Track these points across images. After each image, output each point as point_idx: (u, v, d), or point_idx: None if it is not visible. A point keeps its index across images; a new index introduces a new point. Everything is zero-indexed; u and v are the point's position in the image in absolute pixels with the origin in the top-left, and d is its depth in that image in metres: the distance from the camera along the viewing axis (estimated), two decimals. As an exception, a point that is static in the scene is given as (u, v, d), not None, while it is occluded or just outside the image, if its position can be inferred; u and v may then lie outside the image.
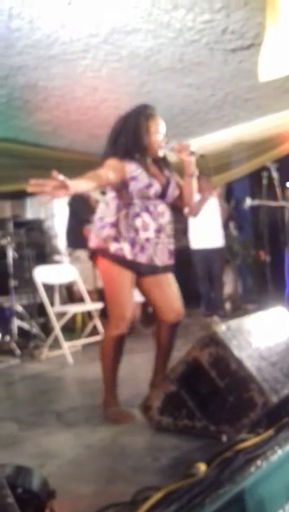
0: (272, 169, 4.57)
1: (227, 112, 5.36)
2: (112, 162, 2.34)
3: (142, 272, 2.39)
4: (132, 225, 2.36)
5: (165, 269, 2.48)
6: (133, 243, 2.34)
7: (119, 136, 2.41)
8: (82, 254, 5.21)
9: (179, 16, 3.33)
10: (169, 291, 2.50)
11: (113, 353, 2.38)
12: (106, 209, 2.42)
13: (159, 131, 2.44)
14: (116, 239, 2.35)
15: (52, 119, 5.17)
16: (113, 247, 2.34)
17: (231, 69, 4.23)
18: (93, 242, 2.44)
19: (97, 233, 2.42)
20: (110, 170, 2.29)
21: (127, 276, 2.36)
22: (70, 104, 4.81)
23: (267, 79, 3.17)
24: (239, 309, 5.88)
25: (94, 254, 2.47)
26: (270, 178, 4.59)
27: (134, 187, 2.36)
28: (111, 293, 2.40)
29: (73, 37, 3.52)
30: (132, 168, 2.36)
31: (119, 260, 2.34)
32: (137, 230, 2.36)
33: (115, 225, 2.36)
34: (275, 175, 4.57)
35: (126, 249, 2.34)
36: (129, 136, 2.39)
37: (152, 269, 2.41)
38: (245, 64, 4.10)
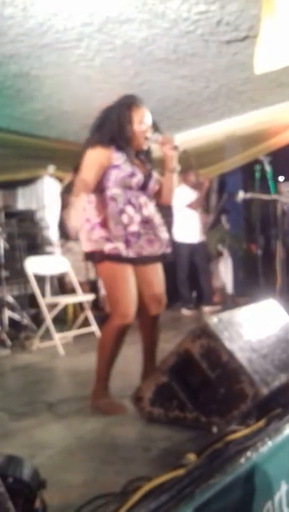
0: (265, 163, 4.58)
1: (221, 104, 5.35)
2: (95, 153, 2.32)
3: (134, 264, 2.39)
4: (119, 222, 2.34)
5: (154, 259, 2.46)
6: (125, 240, 2.33)
7: (103, 124, 2.40)
8: (75, 245, 5.20)
9: (174, 7, 3.30)
10: (156, 283, 2.49)
11: (113, 343, 2.36)
12: (90, 208, 2.39)
13: (143, 122, 2.41)
14: (108, 239, 2.33)
15: (44, 109, 5.14)
16: (107, 247, 2.32)
17: (226, 61, 4.21)
18: (86, 246, 2.41)
19: (88, 236, 2.39)
20: (94, 167, 2.31)
21: (126, 271, 2.35)
22: (62, 94, 4.78)
23: (262, 71, 3.16)
24: (226, 302, 5.95)
25: (89, 258, 2.44)
26: (263, 172, 4.60)
27: (116, 175, 2.34)
28: (112, 292, 2.38)
29: (67, 26, 3.49)
30: (116, 156, 2.35)
31: (116, 259, 2.32)
32: (125, 227, 2.34)
33: (104, 225, 2.34)
34: (267, 168, 4.58)
35: (120, 248, 2.32)
36: (114, 126, 2.37)
37: (141, 261, 2.40)
38: (239, 56, 4.09)
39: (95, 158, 2.33)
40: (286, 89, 4.86)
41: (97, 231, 2.35)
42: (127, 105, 2.40)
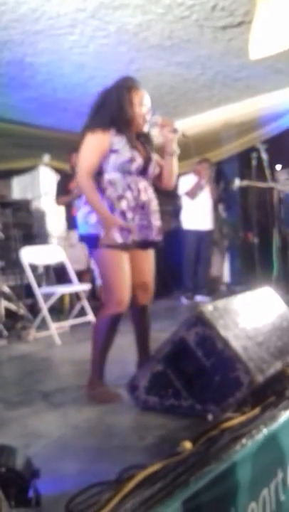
0: (262, 150, 4.56)
1: (217, 92, 5.32)
2: (95, 138, 2.30)
3: (128, 249, 2.37)
4: (118, 208, 2.33)
5: (146, 246, 2.46)
6: (122, 227, 2.31)
7: (102, 107, 2.36)
8: (74, 234, 5.18)
9: (169, -9, 3.26)
10: (146, 272, 2.49)
11: (107, 332, 2.36)
12: None
13: (142, 104, 2.39)
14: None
15: (39, 97, 5.10)
16: (103, 232, 2.31)
17: (221, 47, 4.17)
18: (83, 229, 2.40)
19: (85, 219, 2.38)
20: (95, 152, 2.29)
21: (121, 258, 2.34)
22: (57, 82, 4.74)
23: (258, 57, 3.13)
24: (216, 291, 6.00)
25: (86, 241, 2.43)
26: (260, 160, 4.58)
27: (115, 160, 2.32)
28: (107, 279, 2.37)
29: (60, 12, 3.44)
30: (115, 141, 2.32)
31: (112, 245, 2.31)
32: (123, 213, 2.33)
33: None
34: (264, 156, 4.56)
35: (116, 234, 2.30)
36: (113, 108, 2.33)
37: (136, 247, 2.40)
38: (235, 42, 4.04)
39: (95, 143, 2.31)
40: (282, 75, 4.83)
41: (94, 215, 2.33)
42: (126, 87, 2.37)
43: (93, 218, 2.34)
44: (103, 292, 2.46)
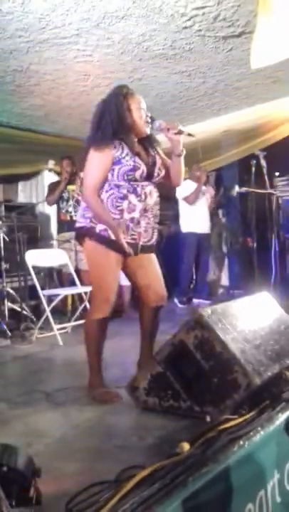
0: (261, 157, 4.61)
1: (218, 100, 5.37)
2: (100, 155, 2.34)
3: (125, 252, 2.40)
4: (117, 206, 2.37)
5: (148, 248, 2.50)
6: (118, 224, 2.36)
7: (102, 119, 2.39)
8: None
9: (171, 2, 3.32)
10: (153, 273, 2.52)
11: (96, 335, 2.41)
12: None
13: (140, 107, 2.44)
14: None
15: (44, 104, 5.16)
16: (98, 227, 2.36)
17: (222, 57, 4.23)
18: (79, 222, 2.45)
19: (82, 213, 2.43)
20: (100, 168, 2.35)
21: (113, 257, 2.37)
22: (62, 89, 4.80)
23: (258, 67, 3.17)
24: (216, 295, 6.06)
25: (79, 235, 2.47)
26: (259, 166, 4.62)
27: (119, 170, 2.36)
28: (96, 275, 2.41)
29: (65, 21, 3.51)
30: (118, 151, 2.36)
31: (104, 240, 2.35)
32: (122, 211, 2.37)
33: None
34: (263, 163, 4.61)
35: (110, 231, 2.35)
36: (113, 116, 2.37)
37: (136, 249, 2.43)
38: (236, 52, 4.11)
39: (99, 159, 2.35)
40: (282, 85, 4.88)
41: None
42: (122, 94, 2.42)
43: (90, 213, 2.39)
44: (92, 287, 2.49)
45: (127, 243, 2.37)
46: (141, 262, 2.48)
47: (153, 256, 2.55)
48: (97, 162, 2.36)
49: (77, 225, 2.47)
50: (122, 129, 2.38)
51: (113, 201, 2.37)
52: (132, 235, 2.40)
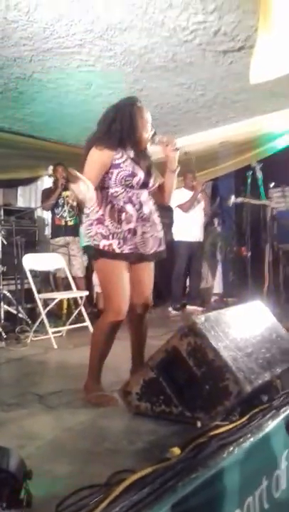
0: (257, 169, 4.67)
1: (216, 112, 5.44)
2: (100, 154, 2.37)
3: (129, 261, 2.44)
4: (118, 219, 2.40)
5: (149, 257, 2.52)
6: (119, 237, 2.39)
7: (113, 123, 2.42)
8: (72, 241, 5.33)
9: (173, 16, 3.39)
10: (145, 283, 2.56)
11: (105, 339, 2.42)
12: (91, 205, 2.43)
13: (149, 123, 2.49)
14: (104, 236, 2.39)
15: (46, 111, 5.21)
16: (102, 244, 2.39)
17: (222, 70, 4.30)
18: (84, 241, 2.49)
19: (86, 231, 2.46)
20: (97, 166, 2.36)
21: (120, 267, 2.41)
22: (63, 98, 4.85)
23: (257, 81, 3.23)
24: (209, 302, 6.09)
25: (86, 252, 2.55)
26: (254, 178, 4.68)
27: (117, 175, 2.40)
28: (107, 288, 2.45)
29: (69, 31, 3.57)
30: (118, 156, 2.40)
31: (109, 255, 2.39)
32: (121, 223, 2.40)
33: (101, 221, 2.40)
34: (259, 174, 4.67)
35: (114, 244, 2.38)
36: (125, 124, 2.40)
37: (137, 258, 2.46)
38: (235, 66, 4.18)
39: (98, 158, 2.38)
40: (279, 98, 4.96)
41: (94, 227, 2.41)
42: (137, 107, 2.46)
43: (93, 231, 2.41)
44: (103, 300, 2.52)
45: (126, 254, 2.41)
46: (137, 272, 2.51)
47: (151, 266, 2.58)
48: (96, 159, 2.38)
49: (82, 243, 2.53)
50: (130, 139, 2.43)
51: (113, 215, 2.41)
52: (131, 245, 2.43)
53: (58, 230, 5.35)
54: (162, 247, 2.57)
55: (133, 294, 2.49)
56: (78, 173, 2.06)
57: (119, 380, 2.43)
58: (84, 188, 2.13)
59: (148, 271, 2.57)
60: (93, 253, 2.45)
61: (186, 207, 5.60)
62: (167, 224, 5.89)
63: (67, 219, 5.28)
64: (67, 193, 5.28)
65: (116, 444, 1.90)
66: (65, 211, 5.33)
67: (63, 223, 5.30)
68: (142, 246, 2.47)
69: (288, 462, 1.88)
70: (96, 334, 2.48)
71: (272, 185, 5.26)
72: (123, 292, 2.40)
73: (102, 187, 2.43)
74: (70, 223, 5.35)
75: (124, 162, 2.40)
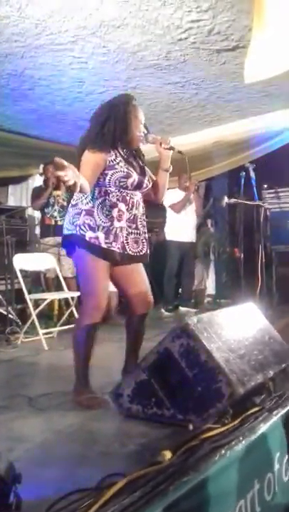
0: (250, 170, 4.68)
1: (210, 112, 5.45)
2: (94, 156, 2.34)
3: (115, 260, 2.41)
4: (108, 214, 2.37)
5: (137, 258, 2.50)
6: (107, 232, 2.36)
7: (106, 122, 2.39)
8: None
9: (167, 14, 3.37)
10: (140, 282, 2.54)
11: (85, 341, 2.39)
12: (81, 196, 2.40)
13: (142, 122, 2.47)
14: (91, 227, 2.35)
15: (37, 109, 5.18)
16: (88, 235, 2.35)
17: (216, 69, 4.30)
18: (67, 230, 2.43)
19: (72, 220, 2.41)
20: (91, 168, 2.32)
21: (102, 265, 2.38)
22: (56, 95, 4.82)
23: (251, 81, 3.22)
24: (202, 304, 6.08)
25: (68, 242, 2.44)
26: (248, 178, 4.69)
27: (112, 176, 2.38)
28: (86, 282, 2.41)
29: (61, 28, 3.54)
30: (112, 157, 2.38)
31: (95, 249, 2.35)
32: (112, 219, 2.38)
33: (90, 213, 2.37)
34: (252, 175, 4.68)
35: (101, 238, 2.35)
36: (118, 124, 2.38)
37: (125, 258, 2.43)
38: (229, 65, 4.18)
39: (92, 160, 2.35)
40: (272, 99, 4.97)
41: (82, 217, 2.37)
42: (132, 105, 2.44)
43: (80, 220, 2.37)
44: (81, 296, 2.48)
45: (116, 252, 2.38)
46: (129, 272, 2.49)
47: (141, 266, 2.56)
48: (90, 161, 2.35)
49: (66, 232, 2.45)
50: (123, 139, 2.41)
51: (103, 209, 2.38)
52: (121, 243, 2.41)
53: (47, 230, 5.31)
54: (147, 250, 2.55)
55: (132, 295, 2.49)
56: (64, 161, 1.99)
57: (111, 381, 2.41)
58: (72, 174, 2.05)
59: (139, 271, 2.55)
60: (77, 241, 2.37)
61: (177, 207, 5.60)
62: (160, 223, 5.89)
63: (58, 218, 5.25)
64: (58, 192, 5.24)
65: (107, 447, 1.88)
66: (55, 210, 5.30)
67: (53, 223, 5.27)
68: (132, 247, 2.45)
69: (280, 465, 1.87)
70: (75, 339, 2.43)
71: (265, 186, 5.27)
72: (104, 289, 2.38)
73: (96, 185, 2.40)
74: (60, 223, 5.30)
75: (118, 163, 2.39)
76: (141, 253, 2.50)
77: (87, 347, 2.40)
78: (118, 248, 2.40)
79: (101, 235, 2.35)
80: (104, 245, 2.36)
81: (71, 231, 2.40)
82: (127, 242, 2.43)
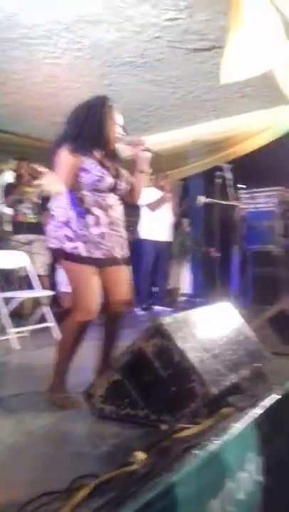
0: (226, 170, 4.71)
1: (186, 111, 5.45)
2: (68, 157, 2.33)
3: (99, 265, 2.41)
4: (84, 222, 2.36)
5: (120, 260, 2.50)
6: (87, 240, 2.35)
7: (83, 123, 2.38)
8: (35, 239, 5.19)
9: (144, 11, 3.36)
10: (121, 283, 2.53)
11: (74, 339, 2.39)
12: (58, 207, 2.40)
13: (118, 124, 2.45)
14: (70, 238, 2.35)
15: (11, 103, 5.08)
16: (68, 246, 2.34)
17: (192, 69, 4.30)
18: (50, 243, 2.43)
19: (51, 233, 2.41)
20: (67, 169, 2.32)
21: (88, 271, 2.37)
22: (29, 89, 4.75)
23: (227, 81, 3.24)
24: (176, 303, 6.09)
25: (53, 255, 2.51)
26: (224, 179, 4.72)
27: (85, 179, 2.36)
28: (76, 290, 2.41)
29: (34, 22, 3.48)
30: (86, 160, 2.36)
31: (76, 258, 2.35)
32: (89, 226, 2.36)
33: (67, 224, 2.36)
34: (228, 175, 4.71)
35: (80, 247, 2.34)
36: (94, 128, 2.37)
37: (109, 262, 2.44)
38: (205, 65, 4.19)
39: (67, 161, 2.33)
40: (249, 100, 5.01)
41: (60, 229, 2.37)
42: (108, 106, 2.42)
43: (58, 232, 2.37)
44: (72, 299, 2.47)
45: (99, 259, 2.38)
46: (112, 273, 2.48)
47: (124, 267, 2.55)
48: (65, 162, 2.33)
49: (50, 245, 2.45)
50: (99, 142, 2.40)
51: (79, 217, 2.36)
52: (102, 249, 2.39)
53: (19, 227, 5.21)
54: (127, 252, 2.55)
55: (113, 294, 2.48)
56: (42, 168, 1.98)
57: (85, 380, 2.38)
58: (50, 181, 2.04)
59: (122, 271, 2.54)
60: (59, 255, 2.41)
61: (152, 206, 5.59)
62: (135, 222, 5.87)
63: (31, 215, 5.15)
64: (30, 189, 5.13)
65: (79, 448, 1.86)
66: (26, 207, 5.19)
67: (25, 220, 5.16)
68: (115, 250, 2.45)
69: (252, 464, 1.88)
70: (64, 335, 2.43)
71: (241, 186, 5.32)
72: (93, 292, 2.38)
73: (70, 190, 2.37)
74: (31, 220, 5.22)
75: (93, 167, 2.37)
76: (125, 256, 2.51)
77: (74, 345, 2.40)
78: (100, 254, 2.39)
79: (80, 244, 2.34)
80: (84, 254, 2.35)
81: (54, 245, 2.41)
82: (111, 247, 2.43)
